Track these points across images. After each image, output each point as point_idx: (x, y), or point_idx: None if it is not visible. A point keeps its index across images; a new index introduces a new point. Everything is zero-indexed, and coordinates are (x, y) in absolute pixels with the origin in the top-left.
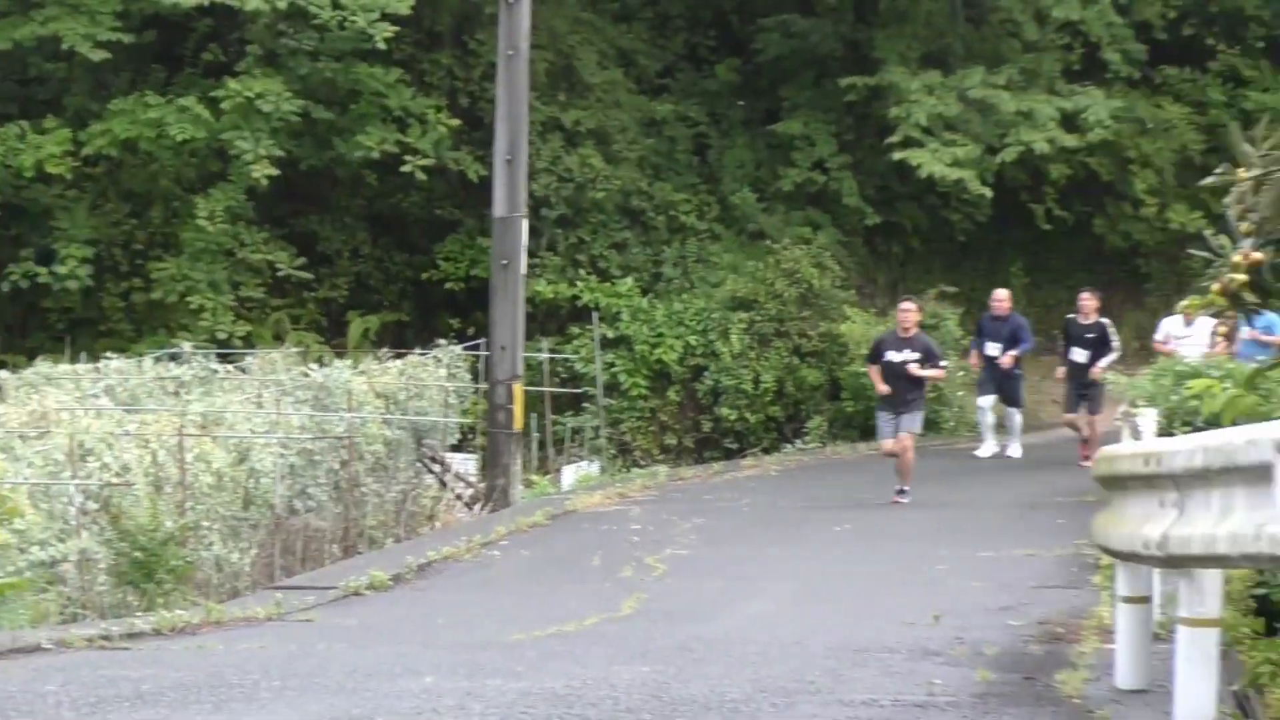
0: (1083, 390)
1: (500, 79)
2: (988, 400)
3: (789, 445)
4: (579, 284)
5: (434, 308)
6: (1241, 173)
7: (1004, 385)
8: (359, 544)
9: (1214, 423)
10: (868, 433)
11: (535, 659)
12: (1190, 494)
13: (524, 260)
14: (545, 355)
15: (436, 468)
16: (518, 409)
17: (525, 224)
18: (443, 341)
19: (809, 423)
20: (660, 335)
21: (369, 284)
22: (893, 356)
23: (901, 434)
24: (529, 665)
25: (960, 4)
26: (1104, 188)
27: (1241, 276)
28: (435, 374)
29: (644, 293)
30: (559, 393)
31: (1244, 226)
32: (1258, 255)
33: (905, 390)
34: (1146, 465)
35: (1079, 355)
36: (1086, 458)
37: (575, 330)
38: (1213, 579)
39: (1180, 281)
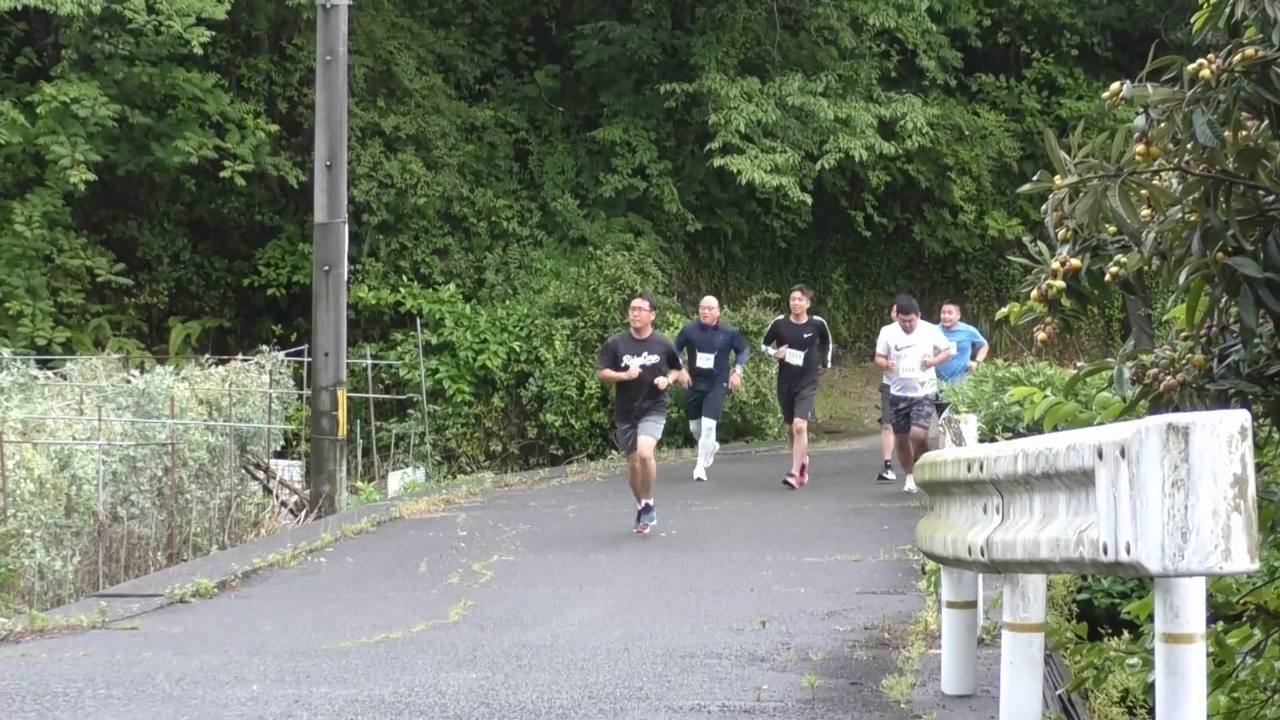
0: (797, 392)
1: (319, 84)
2: (697, 424)
3: (614, 451)
4: (401, 290)
5: (256, 314)
6: (1058, 180)
7: (710, 396)
8: (184, 551)
9: (1036, 429)
10: (691, 440)
11: (362, 666)
12: (1013, 499)
13: (346, 266)
14: (369, 361)
15: (261, 474)
16: (342, 415)
17: (346, 230)
18: (265, 348)
19: None
20: (484, 341)
21: (189, 290)
22: (631, 361)
23: (642, 439)
24: (356, 673)
25: (777, 11)
26: (923, 194)
27: (1059, 283)
28: (258, 380)
29: (467, 299)
30: (383, 399)
31: (1061, 233)
32: (1075, 262)
33: (644, 398)
34: (970, 471)
35: (795, 358)
36: (792, 477)
37: (398, 336)
38: (1036, 584)
39: (999, 288)
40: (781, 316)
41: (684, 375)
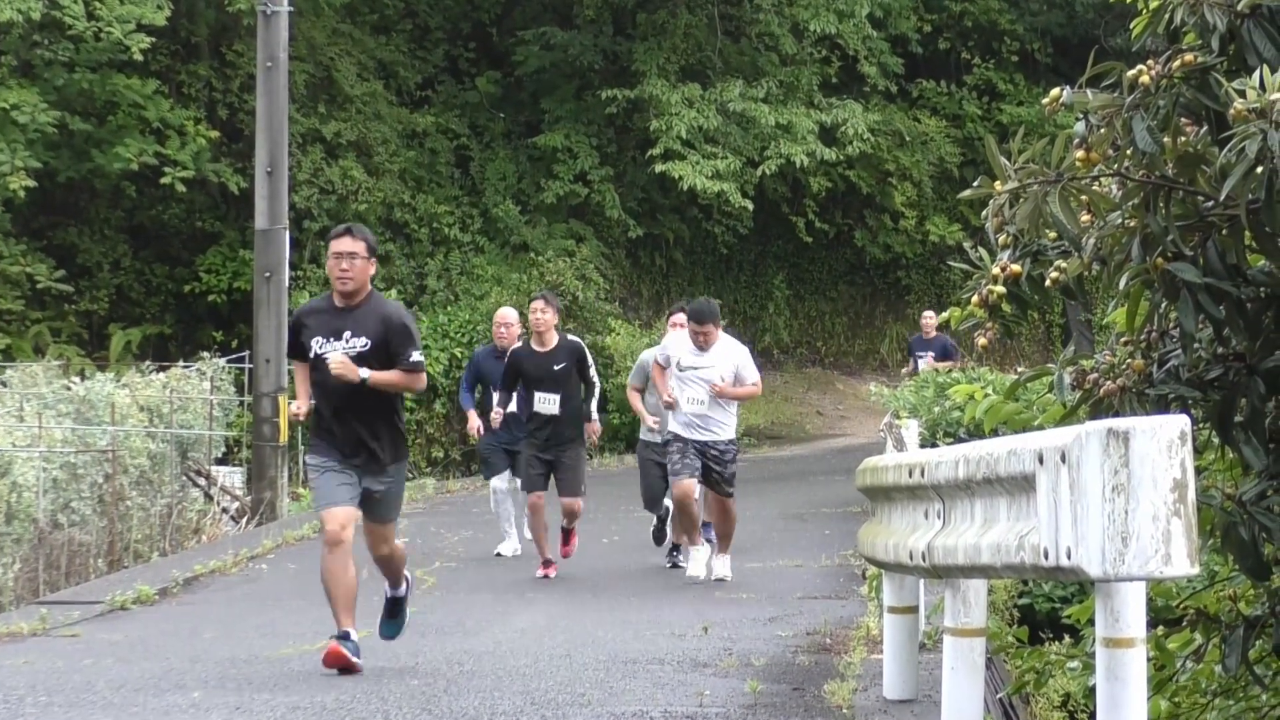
0: (551, 451)
1: (259, 90)
2: (504, 480)
3: None
4: None
5: (197, 320)
6: (998, 185)
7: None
8: (124, 558)
9: (977, 432)
10: (635, 445)
11: (304, 673)
12: (955, 505)
13: (287, 272)
14: None
15: (202, 481)
16: (283, 422)
17: (288, 236)
18: (206, 354)
19: None
20: (425, 348)
21: (130, 296)
22: (328, 349)
23: (373, 524)
24: (298, 679)
25: (718, 18)
26: (864, 200)
27: (1000, 289)
28: (199, 387)
29: (408, 305)
30: None
31: (1002, 239)
32: (1015, 267)
33: (354, 411)
34: (911, 476)
35: (548, 404)
36: (549, 566)
37: None
38: (977, 589)
39: (940, 293)
40: (520, 343)
41: (400, 378)
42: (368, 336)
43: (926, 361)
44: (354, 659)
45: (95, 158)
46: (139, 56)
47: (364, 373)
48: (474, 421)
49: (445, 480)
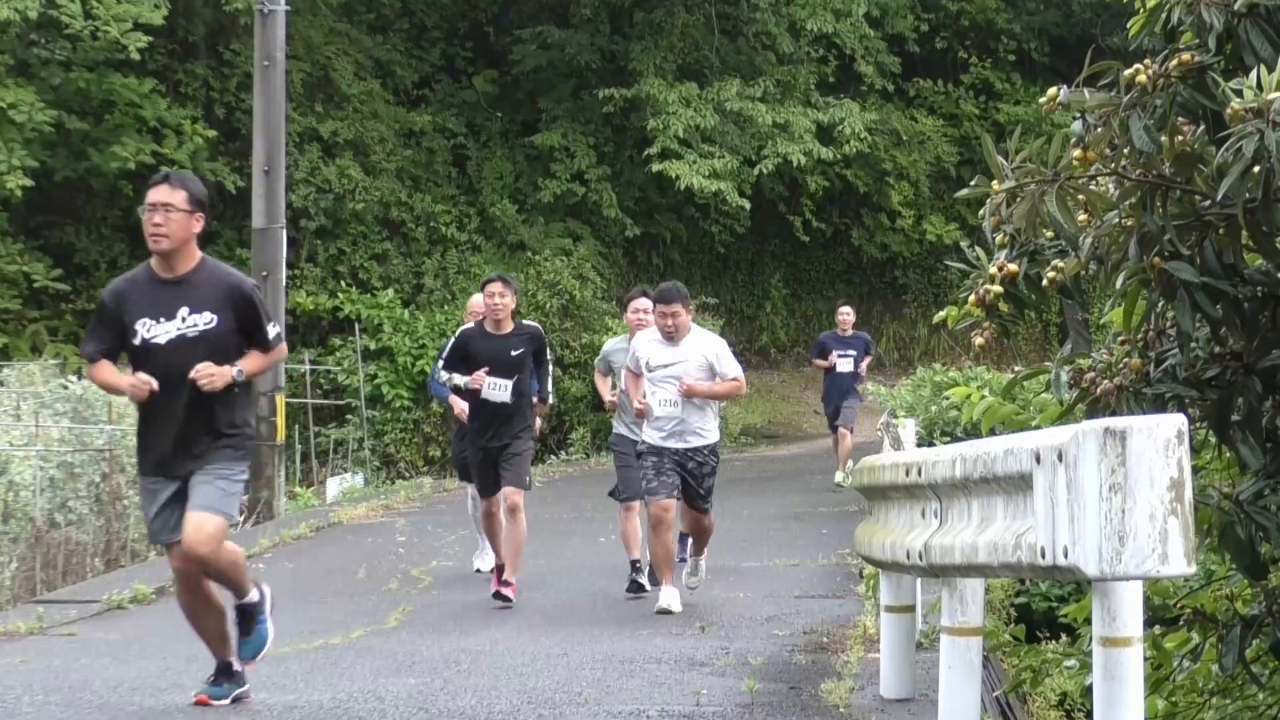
0: (504, 451)
1: (257, 89)
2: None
3: (553, 457)
4: (340, 295)
5: None
6: (995, 185)
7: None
8: (122, 557)
9: (975, 432)
10: None
11: (301, 672)
12: (951, 504)
13: (284, 271)
14: (307, 367)
15: None
16: (280, 421)
17: (285, 235)
18: None
19: (572, 434)
20: (422, 346)
21: None
22: (155, 332)
23: (195, 518)
24: (295, 679)
25: (715, 17)
26: (861, 200)
27: (997, 288)
28: None
29: (405, 304)
30: (321, 404)
31: (999, 238)
32: (1012, 267)
33: (188, 404)
34: (908, 475)
35: (499, 391)
36: (508, 587)
37: (337, 342)
38: (974, 588)
39: (937, 293)
40: (472, 324)
41: (264, 363)
42: (212, 311)
43: (861, 366)
44: (215, 701)
45: (92, 157)
46: (136, 56)
47: (237, 373)
48: (460, 404)
49: (442, 479)
